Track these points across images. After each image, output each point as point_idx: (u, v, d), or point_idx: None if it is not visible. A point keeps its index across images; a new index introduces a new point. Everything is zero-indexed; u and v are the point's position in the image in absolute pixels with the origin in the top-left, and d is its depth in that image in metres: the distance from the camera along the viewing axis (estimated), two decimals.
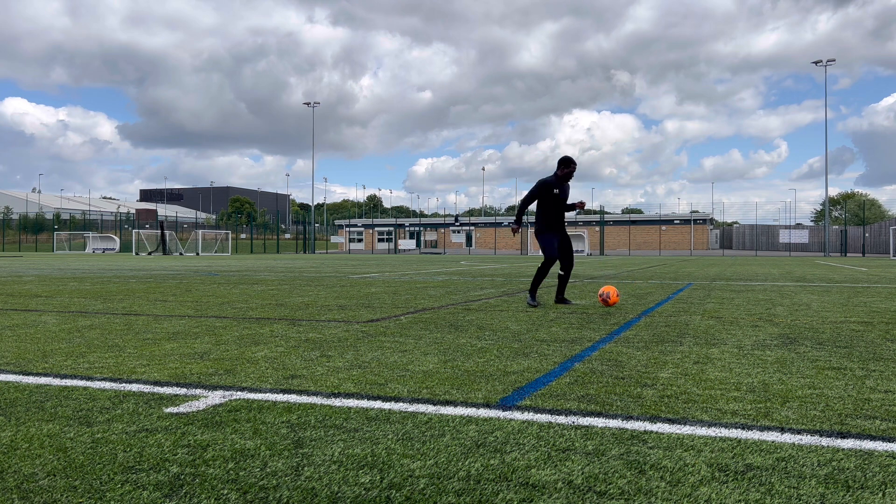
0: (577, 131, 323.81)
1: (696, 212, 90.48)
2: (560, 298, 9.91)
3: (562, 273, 10.02)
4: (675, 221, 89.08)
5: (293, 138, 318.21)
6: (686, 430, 3.24)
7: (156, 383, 4.25)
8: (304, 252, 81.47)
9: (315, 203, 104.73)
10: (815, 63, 68.69)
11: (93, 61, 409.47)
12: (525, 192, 9.50)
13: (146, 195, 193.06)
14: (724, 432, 3.20)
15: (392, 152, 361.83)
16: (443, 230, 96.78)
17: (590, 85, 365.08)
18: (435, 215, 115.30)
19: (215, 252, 67.50)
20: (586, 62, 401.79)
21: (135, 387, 4.15)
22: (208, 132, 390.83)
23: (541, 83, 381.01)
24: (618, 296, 9.52)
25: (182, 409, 3.62)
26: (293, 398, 3.87)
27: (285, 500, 2.37)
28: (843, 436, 3.15)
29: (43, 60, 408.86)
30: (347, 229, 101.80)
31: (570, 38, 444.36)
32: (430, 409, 3.64)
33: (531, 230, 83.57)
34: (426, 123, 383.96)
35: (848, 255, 67.38)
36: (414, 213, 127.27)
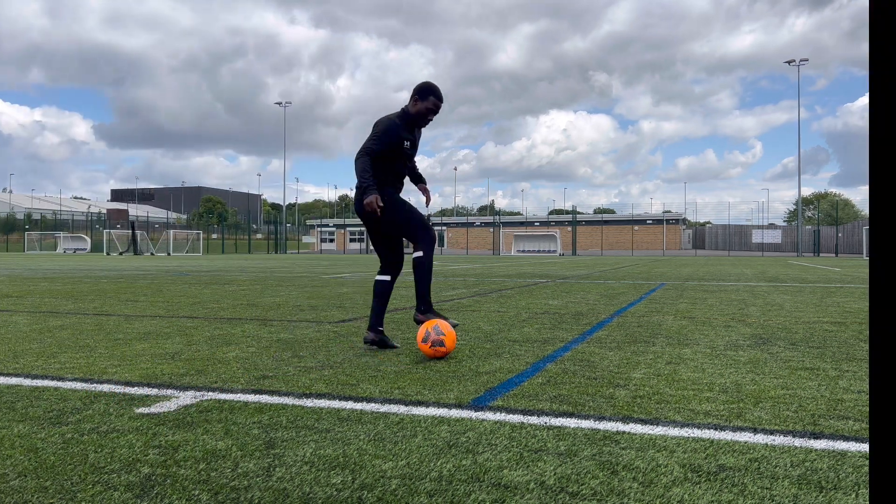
0: (553, 131, 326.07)
1: (669, 212, 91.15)
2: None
3: (387, 279, 5.81)
4: (648, 221, 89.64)
5: (269, 139, 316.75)
6: (659, 430, 3.25)
7: (127, 384, 4.21)
8: (276, 252, 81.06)
9: (287, 203, 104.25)
10: (788, 63, 69.42)
11: (70, 62, 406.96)
12: (369, 146, 5.49)
13: (117, 195, 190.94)
14: (696, 433, 3.21)
15: None
16: None
17: (567, 86, 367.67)
18: None
19: (186, 252, 67.00)
20: (563, 63, 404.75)
21: (106, 387, 4.10)
22: (184, 132, 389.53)
23: (517, 84, 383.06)
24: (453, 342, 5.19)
25: (153, 409, 3.58)
26: (265, 398, 3.84)
27: (257, 500, 2.35)
28: (816, 436, 3.17)
29: (21, 61, 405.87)
30: (319, 229, 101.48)
31: (547, 39, 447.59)
32: (401, 409, 3.63)
33: (503, 229, 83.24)
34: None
35: (821, 255, 68.00)
36: None
